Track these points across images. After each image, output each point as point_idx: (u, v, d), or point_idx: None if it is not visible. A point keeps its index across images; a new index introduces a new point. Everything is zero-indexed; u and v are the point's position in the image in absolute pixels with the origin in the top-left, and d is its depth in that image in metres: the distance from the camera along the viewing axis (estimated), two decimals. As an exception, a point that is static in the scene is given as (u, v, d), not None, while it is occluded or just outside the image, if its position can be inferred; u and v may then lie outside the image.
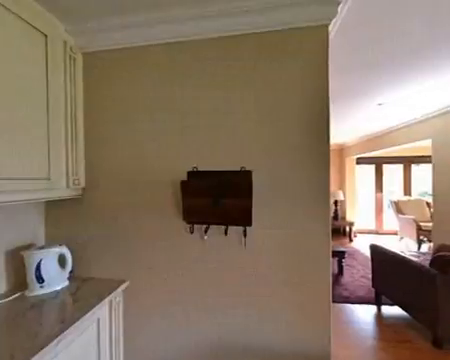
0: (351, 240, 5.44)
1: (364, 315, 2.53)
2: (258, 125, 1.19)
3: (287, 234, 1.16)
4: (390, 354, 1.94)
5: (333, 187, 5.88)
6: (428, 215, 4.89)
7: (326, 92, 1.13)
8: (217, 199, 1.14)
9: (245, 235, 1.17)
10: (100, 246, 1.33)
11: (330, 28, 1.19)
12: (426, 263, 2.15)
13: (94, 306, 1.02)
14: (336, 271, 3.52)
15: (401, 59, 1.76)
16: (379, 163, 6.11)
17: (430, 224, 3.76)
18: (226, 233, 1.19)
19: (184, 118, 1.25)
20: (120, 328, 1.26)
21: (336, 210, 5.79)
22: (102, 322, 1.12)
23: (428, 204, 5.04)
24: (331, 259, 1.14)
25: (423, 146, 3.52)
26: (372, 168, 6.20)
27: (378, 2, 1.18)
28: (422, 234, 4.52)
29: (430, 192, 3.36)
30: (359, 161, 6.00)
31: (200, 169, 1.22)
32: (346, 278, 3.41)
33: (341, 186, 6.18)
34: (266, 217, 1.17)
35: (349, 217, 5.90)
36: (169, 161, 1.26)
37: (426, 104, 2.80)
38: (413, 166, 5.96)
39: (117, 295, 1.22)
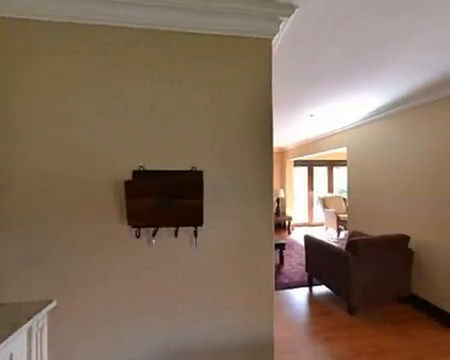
0: (289, 233, 6.18)
1: (299, 297, 2.92)
2: (209, 126, 1.20)
3: (236, 231, 1.22)
4: (318, 326, 2.31)
5: (275, 186, 6.53)
6: (344, 208, 6.06)
7: (270, 101, 1.25)
8: (167, 200, 1.09)
9: (196, 235, 1.17)
10: (15, 262, 1.07)
11: (273, 43, 1.32)
12: (343, 247, 2.66)
13: (4, 339, 0.81)
14: (278, 261, 3.93)
15: (328, 79, 2.12)
16: (311, 165, 7.17)
17: (346, 215, 4.67)
18: (176, 234, 1.15)
19: (129, 113, 1.14)
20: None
21: (278, 207, 6.45)
22: (17, 356, 0.90)
23: (344, 199, 6.24)
24: (274, 251, 1.27)
25: (342, 152, 4.33)
26: (305, 170, 7.22)
27: (309, 29, 1.38)
28: (340, 224, 5.58)
29: (346, 190, 4.17)
30: (296, 163, 6.88)
31: (147, 168, 1.14)
32: (286, 267, 3.85)
33: (282, 185, 6.94)
34: (216, 216, 1.20)
35: (288, 212, 6.68)
36: (110, 159, 1.13)
37: (345, 118, 3.46)
38: (335, 168, 7.26)
39: (39, 319, 1.00)
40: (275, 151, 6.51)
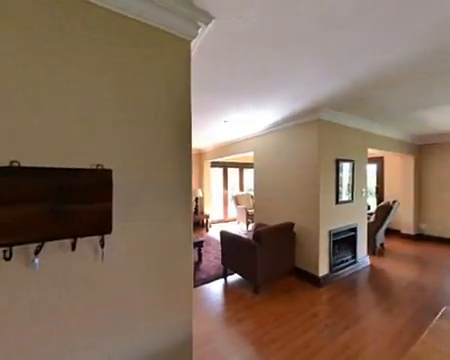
0: (207, 230, 6.50)
1: (216, 289, 3.14)
2: (122, 120, 1.06)
3: (153, 234, 1.15)
4: (231, 311, 2.58)
5: (194, 186, 6.68)
6: (252, 204, 7.10)
7: (189, 101, 1.26)
8: (59, 205, 0.86)
9: (103, 245, 1.00)
10: None
11: (192, 45, 1.34)
12: (251, 237, 3.11)
13: None
14: (196, 259, 4.03)
15: (237, 91, 2.40)
16: (225, 167, 7.87)
17: (252, 210, 5.49)
18: (74, 248, 0.94)
19: (-8, 85, 0.82)
20: None
21: (196, 206, 6.64)
22: None
23: (252, 196, 7.31)
24: (193, 250, 1.29)
25: (250, 156, 5.05)
26: (221, 171, 7.85)
27: (221, 42, 1.52)
28: (249, 218, 6.49)
29: (253, 188, 4.89)
30: (213, 164, 7.33)
31: (25, 165, 0.86)
32: (204, 263, 4.01)
33: (200, 185, 7.18)
34: (130, 219, 1.08)
35: (206, 211, 7.01)
36: None
37: (253, 126, 4.04)
38: (245, 170, 8.35)
39: None
40: (194, 152, 6.64)
